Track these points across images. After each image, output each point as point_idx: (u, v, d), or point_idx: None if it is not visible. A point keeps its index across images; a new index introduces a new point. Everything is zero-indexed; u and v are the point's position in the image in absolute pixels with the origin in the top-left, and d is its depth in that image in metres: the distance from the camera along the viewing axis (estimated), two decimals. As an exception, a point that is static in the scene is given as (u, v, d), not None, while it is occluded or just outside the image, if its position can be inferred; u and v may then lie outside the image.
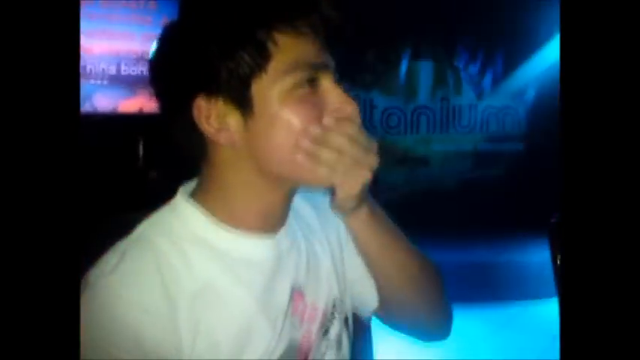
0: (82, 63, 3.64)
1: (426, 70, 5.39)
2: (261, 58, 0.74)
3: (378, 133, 5.23)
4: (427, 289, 0.94)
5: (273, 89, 0.74)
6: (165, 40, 0.79)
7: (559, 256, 1.59)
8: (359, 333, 1.00)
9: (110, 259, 0.76)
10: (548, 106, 4.55)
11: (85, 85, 3.72)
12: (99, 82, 3.82)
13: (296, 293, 0.84)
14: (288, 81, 0.74)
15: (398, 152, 5.31)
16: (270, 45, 0.74)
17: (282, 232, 0.84)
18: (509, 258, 4.27)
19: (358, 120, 0.79)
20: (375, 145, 0.78)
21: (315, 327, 0.86)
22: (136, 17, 3.82)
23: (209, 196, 0.81)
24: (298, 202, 0.90)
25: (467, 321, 2.98)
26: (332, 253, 0.91)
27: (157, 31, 0.80)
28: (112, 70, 3.83)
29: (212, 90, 0.75)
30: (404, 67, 5.33)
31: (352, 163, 0.77)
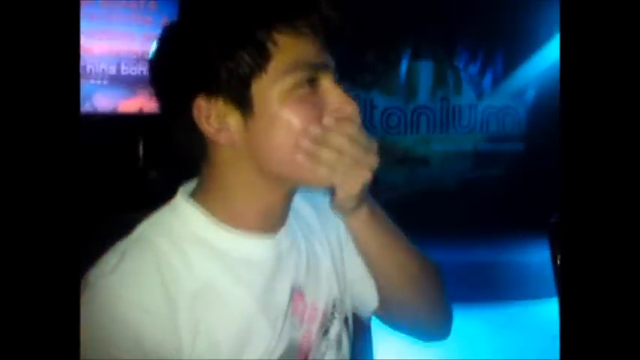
0: (82, 63, 3.64)
1: (426, 70, 5.39)
2: (261, 58, 0.74)
3: (378, 133, 5.23)
4: (427, 288, 0.94)
5: (273, 89, 0.74)
6: (166, 41, 0.79)
7: (559, 256, 1.59)
8: (359, 333, 1.00)
9: (110, 259, 0.76)
10: (549, 106, 4.56)
11: (85, 85, 3.72)
12: (99, 82, 3.82)
13: (296, 293, 0.84)
14: (288, 81, 0.74)
15: (398, 152, 5.32)
16: (270, 45, 0.74)
17: (282, 232, 0.84)
18: (509, 258, 4.27)
19: (358, 120, 0.79)
20: (375, 145, 0.78)
21: (315, 327, 0.86)
22: (136, 17, 3.82)
23: (209, 196, 0.81)
24: (298, 202, 0.90)
25: (467, 321, 2.98)
26: (332, 253, 0.91)
27: (157, 32, 0.79)
28: (112, 70, 3.83)
29: (212, 90, 0.75)
30: (404, 67, 5.34)
31: (352, 163, 0.77)
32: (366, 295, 0.94)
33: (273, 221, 0.83)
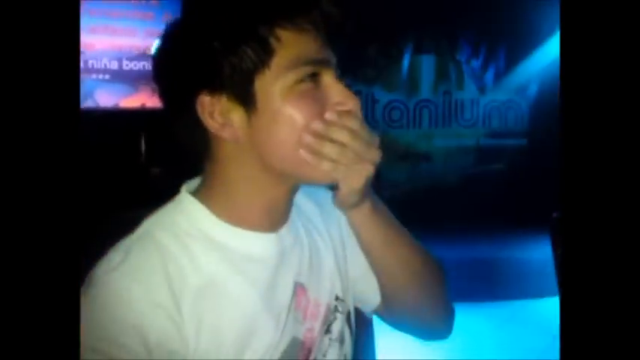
0: (83, 59, 3.64)
1: (428, 63, 5.38)
2: (264, 54, 0.74)
3: (380, 127, 5.23)
4: (430, 285, 0.93)
5: (275, 85, 0.74)
6: (169, 37, 0.79)
7: (560, 252, 1.58)
8: (361, 329, 1.00)
9: (114, 256, 0.76)
10: (551, 101, 4.55)
11: (86, 80, 3.72)
12: (101, 77, 3.82)
13: (299, 288, 0.84)
14: (291, 77, 0.75)
15: (400, 148, 5.31)
16: (272, 41, 0.74)
17: (285, 228, 0.84)
18: (511, 255, 4.27)
19: (360, 114, 0.78)
20: (377, 140, 0.78)
21: (317, 323, 0.86)
22: (138, 13, 3.82)
23: (212, 192, 0.81)
24: (300, 198, 0.90)
25: (468, 318, 2.98)
26: (334, 250, 0.91)
27: (159, 27, 0.79)
28: (114, 66, 3.83)
29: (215, 86, 0.75)
30: (406, 61, 5.33)
31: (355, 157, 0.77)
32: (368, 293, 0.94)
33: (276, 217, 0.83)
